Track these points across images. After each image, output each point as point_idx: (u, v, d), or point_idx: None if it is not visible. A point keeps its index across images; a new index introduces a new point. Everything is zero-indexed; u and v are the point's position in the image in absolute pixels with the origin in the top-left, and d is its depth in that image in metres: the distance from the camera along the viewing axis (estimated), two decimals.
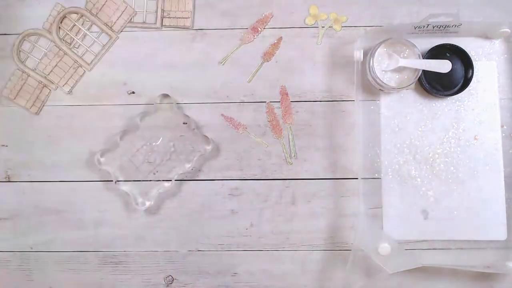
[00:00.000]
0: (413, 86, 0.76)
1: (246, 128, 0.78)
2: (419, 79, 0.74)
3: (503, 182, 0.74)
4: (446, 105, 0.76)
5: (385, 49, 0.74)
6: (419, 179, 0.75)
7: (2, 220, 0.78)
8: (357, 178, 0.76)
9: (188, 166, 0.77)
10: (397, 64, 0.73)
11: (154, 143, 0.78)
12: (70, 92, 0.79)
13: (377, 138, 0.76)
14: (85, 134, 0.78)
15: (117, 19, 0.80)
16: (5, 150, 0.79)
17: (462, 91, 0.74)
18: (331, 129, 0.77)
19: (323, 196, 0.76)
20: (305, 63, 0.78)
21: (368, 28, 0.78)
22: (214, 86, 0.78)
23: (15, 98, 0.78)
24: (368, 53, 0.75)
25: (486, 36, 0.77)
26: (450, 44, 0.74)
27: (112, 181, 0.76)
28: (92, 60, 0.79)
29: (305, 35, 0.79)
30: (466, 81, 0.74)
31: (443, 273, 0.75)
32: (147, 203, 0.76)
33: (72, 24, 0.80)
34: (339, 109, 0.78)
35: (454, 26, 0.74)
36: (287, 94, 0.78)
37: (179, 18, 0.79)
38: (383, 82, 0.73)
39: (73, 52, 0.79)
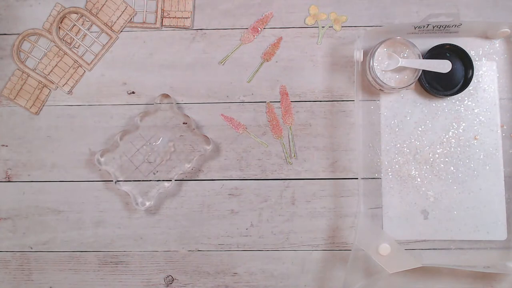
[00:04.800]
0: (413, 86, 0.76)
1: (246, 128, 0.78)
2: (419, 79, 0.74)
3: (503, 182, 0.75)
4: (446, 105, 0.76)
5: (385, 49, 0.74)
6: (419, 179, 0.75)
7: (2, 220, 0.78)
8: (357, 178, 0.76)
9: (188, 166, 0.77)
10: (397, 64, 0.73)
11: (154, 143, 0.78)
12: (70, 92, 0.79)
13: (377, 138, 0.76)
14: (85, 134, 0.78)
15: (117, 19, 0.80)
16: (5, 150, 0.79)
17: (462, 91, 0.74)
18: (331, 129, 0.77)
19: (323, 196, 0.76)
20: (305, 63, 0.78)
21: (368, 28, 0.78)
22: (214, 86, 0.78)
23: (15, 98, 0.79)
24: (368, 53, 0.75)
25: (486, 36, 0.77)
26: (450, 44, 0.74)
27: (112, 181, 0.76)
28: (92, 60, 0.79)
29: (305, 35, 0.79)
30: (466, 81, 0.74)
31: (443, 273, 0.75)
32: (147, 203, 0.76)
33: (72, 24, 0.80)
34: (339, 109, 0.78)
35: (454, 26, 0.74)
36: (287, 94, 0.78)
37: (179, 18, 0.79)
38: (383, 82, 0.73)
39: (73, 52, 0.79)
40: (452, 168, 0.75)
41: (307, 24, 0.79)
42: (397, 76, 0.74)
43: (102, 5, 0.79)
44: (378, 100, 0.77)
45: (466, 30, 0.75)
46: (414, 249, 0.75)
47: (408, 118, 0.76)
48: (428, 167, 0.75)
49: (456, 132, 0.76)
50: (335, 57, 0.78)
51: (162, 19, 0.80)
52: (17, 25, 0.80)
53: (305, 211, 0.76)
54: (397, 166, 0.76)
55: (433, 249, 0.75)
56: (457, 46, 0.74)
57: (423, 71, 0.73)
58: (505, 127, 0.76)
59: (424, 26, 0.74)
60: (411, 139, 0.76)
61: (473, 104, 0.76)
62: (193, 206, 0.77)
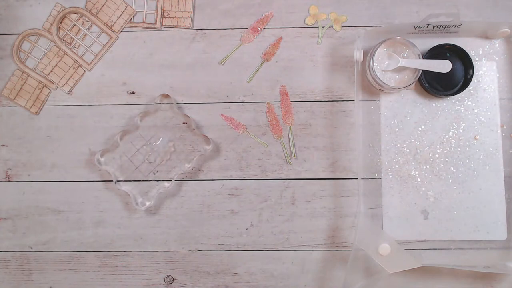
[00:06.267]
0: (413, 86, 0.76)
1: (246, 128, 0.78)
2: (419, 79, 0.74)
3: (503, 182, 0.75)
4: (446, 105, 0.76)
5: (385, 49, 0.74)
6: (419, 179, 0.75)
7: (2, 220, 0.78)
8: (357, 178, 0.76)
9: (188, 166, 0.77)
10: (397, 64, 0.73)
11: (154, 143, 0.78)
12: (70, 92, 0.79)
13: (377, 138, 0.76)
14: (85, 134, 0.78)
15: (117, 19, 0.80)
16: (5, 150, 0.79)
17: (462, 91, 0.74)
18: (331, 129, 0.77)
19: (323, 196, 0.76)
20: (305, 63, 0.78)
21: (368, 28, 0.78)
22: (214, 86, 0.78)
23: (15, 98, 0.79)
24: (368, 53, 0.75)
25: (486, 36, 0.77)
26: (450, 44, 0.74)
27: (112, 181, 0.76)
28: (92, 60, 0.79)
29: (305, 35, 0.79)
30: (466, 81, 0.74)
31: (443, 273, 0.75)
32: (147, 203, 0.76)
33: (72, 24, 0.80)
34: (339, 109, 0.78)
35: (454, 26, 0.74)
36: (287, 94, 0.78)
37: (179, 18, 0.79)
38: (383, 82, 0.73)
39: (73, 52, 0.79)
40: (452, 168, 0.75)
41: (307, 24, 0.79)
42: (397, 76, 0.74)
43: (102, 5, 0.79)
44: (378, 100, 0.77)
45: (466, 30, 0.75)
46: (414, 249, 0.75)
47: (408, 118, 0.76)
48: (428, 167, 0.75)
49: (456, 132, 0.76)
50: (335, 57, 0.78)
51: (162, 19, 0.80)
52: (17, 25, 0.80)
53: (305, 211, 0.76)
54: (397, 166, 0.76)
55: (433, 249, 0.75)
56: (457, 46, 0.74)
57: (423, 71, 0.73)
58: (505, 127, 0.76)
59: (424, 26, 0.74)
60: (411, 139, 0.76)
61: (473, 104, 0.76)
62: (193, 206, 0.77)
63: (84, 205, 0.77)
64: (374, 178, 0.76)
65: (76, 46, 0.80)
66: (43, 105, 0.79)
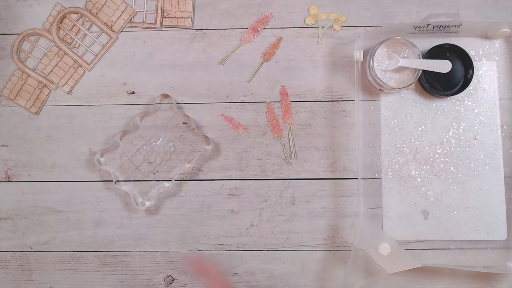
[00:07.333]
0: (413, 86, 0.76)
1: (246, 128, 0.78)
2: (419, 79, 0.74)
3: (503, 182, 0.75)
4: (446, 105, 0.76)
5: (385, 49, 0.74)
6: (419, 179, 0.75)
7: (2, 220, 0.78)
8: (357, 178, 0.76)
9: (188, 166, 0.77)
10: (397, 64, 0.73)
11: (154, 143, 0.78)
12: (70, 92, 0.79)
13: (377, 138, 0.76)
14: (85, 134, 0.78)
15: (117, 19, 0.80)
16: (5, 150, 0.79)
17: (462, 91, 0.74)
18: (331, 129, 0.77)
19: (323, 196, 0.76)
20: (305, 63, 0.78)
21: (368, 28, 0.78)
22: (214, 86, 0.78)
23: (15, 98, 0.79)
24: (368, 53, 0.75)
25: (486, 36, 0.77)
26: (450, 44, 0.74)
27: (112, 181, 0.76)
28: (92, 60, 0.79)
29: (305, 35, 0.79)
30: (466, 81, 0.74)
31: (443, 273, 0.75)
32: (147, 203, 0.76)
33: (72, 24, 0.80)
34: (339, 109, 0.78)
35: (454, 26, 0.74)
36: (287, 94, 0.78)
37: (179, 18, 0.79)
38: (383, 82, 0.73)
39: (73, 52, 0.79)
40: (452, 168, 0.75)
41: (307, 24, 0.79)
42: (397, 76, 0.74)
43: (102, 5, 0.79)
44: (378, 100, 0.77)
45: (466, 30, 0.75)
46: (414, 249, 0.75)
47: (408, 118, 0.76)
48: (428, 167, 0.75)
49: (456, 132, 0.76)
50: (335, 57, 0.78)
51: (162, 19, 0.80)
52: (17, 25, 0.80)
53: (305, 211, 0.76)
54: (397, 166, 0.76)
55: (433, 249, 0.75)
56: (457, 46, 0.74)
57: (423, 71, 0.73)
58: (505, 127, 0.76)
59: (424, 26, 0.74)
60: (411, 139, 0.76)
61: (473, 104, 0.76)
62: (193, 206, 0.77)
63: (84, 205, 0.78)
64: (374, 178, 0.76)
65: (76, 46, 0.80)
66: (43, 105, 0.79)
